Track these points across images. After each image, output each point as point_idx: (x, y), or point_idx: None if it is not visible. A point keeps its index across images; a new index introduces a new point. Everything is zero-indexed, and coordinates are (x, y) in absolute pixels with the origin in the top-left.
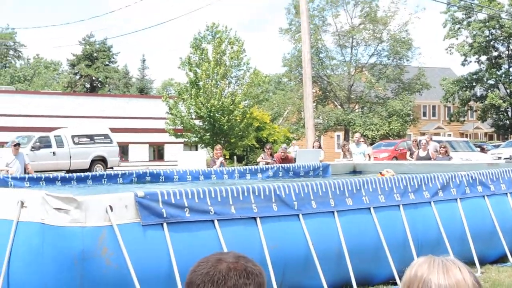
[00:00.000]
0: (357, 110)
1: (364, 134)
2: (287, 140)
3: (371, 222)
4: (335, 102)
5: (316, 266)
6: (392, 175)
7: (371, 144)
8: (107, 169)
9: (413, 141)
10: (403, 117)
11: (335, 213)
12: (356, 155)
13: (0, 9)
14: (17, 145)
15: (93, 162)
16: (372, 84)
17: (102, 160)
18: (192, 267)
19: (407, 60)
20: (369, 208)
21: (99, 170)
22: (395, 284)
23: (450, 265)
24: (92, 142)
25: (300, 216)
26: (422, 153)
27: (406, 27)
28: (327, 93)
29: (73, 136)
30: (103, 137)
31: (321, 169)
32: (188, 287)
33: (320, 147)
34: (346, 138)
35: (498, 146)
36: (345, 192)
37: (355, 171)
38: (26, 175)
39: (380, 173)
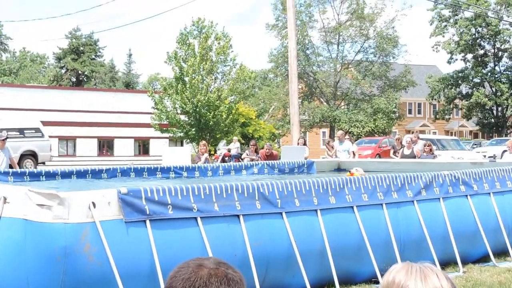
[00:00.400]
0: (342, 107)
1: (350, 131)
2: (272, 136)
3: (354, 221)
4: (321, 99)
5: (299, 264)
6: (362, 174)
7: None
8: (38, 165)
9: (396, 139)
10: (388, 114)
11: (318, 212)
12: (340, 152)
13: None
14: (6, 139)
15: (23, 157)
16: (358, 81)
17: (33, 155)
18: (171, 272)
19: (393, 58)
20: (352, 207)
21: (29, 165)
22: (377, 282)
23: (427, 271)
24: (22, 136)
25: (283, 214)
26: (407, 151)
27: (393, 24)
28: (313, 90)
29: (1, 129)
30: (33, 131)
31: (305, 166)
32: None
33: (305, 144)
34: (332, 135)
35: (480, 144)
36: (328, 190)
37: (339, 169)
38: (10, 170)
39: (349, 171)
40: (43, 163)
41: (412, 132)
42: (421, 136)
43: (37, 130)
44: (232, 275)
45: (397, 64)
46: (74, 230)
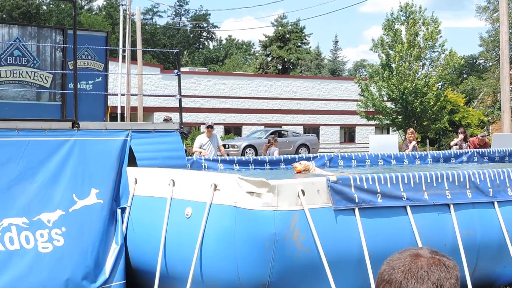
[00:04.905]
0: None
1: None
2: (481, 123)
3: None
4: None
5: (511, 255)
6: (305, 167)
7: None
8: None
9: None
10: None
11: None
12: None
13: None
14: (210, 127)
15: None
16: None
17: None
18: (384, 266)
19: None
20: None
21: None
22: None
23: None
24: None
25: (495, 203)
26: None
27: None
28: None
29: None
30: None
31: None
32: (389, 285)
33: None
34: None
35: None
36: None
37: None
38: (219, 157)
39: (292, 165)
40: None
41: None
42: None
43: None
44: (448, 262)
45: None
46: (284, 217)
